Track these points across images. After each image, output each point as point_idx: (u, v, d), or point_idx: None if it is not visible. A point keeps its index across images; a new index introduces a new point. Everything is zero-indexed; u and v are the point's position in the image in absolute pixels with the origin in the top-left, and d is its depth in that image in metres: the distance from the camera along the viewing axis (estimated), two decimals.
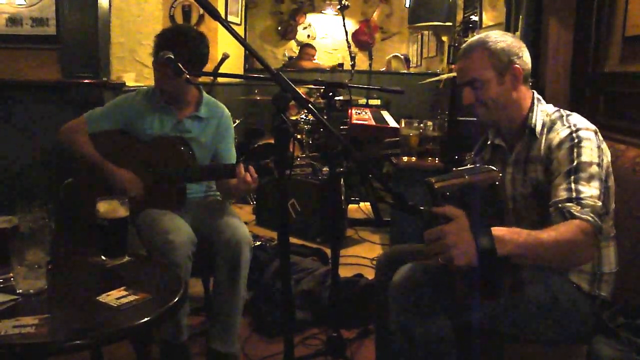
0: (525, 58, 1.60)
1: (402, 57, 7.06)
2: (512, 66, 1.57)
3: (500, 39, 1.58)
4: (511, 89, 1.58)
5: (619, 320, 1.46)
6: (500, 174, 1.46)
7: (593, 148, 1.46)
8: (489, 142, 1.77)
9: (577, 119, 1.54)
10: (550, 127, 1.56)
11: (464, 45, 1.65)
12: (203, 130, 2.29)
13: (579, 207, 1.36)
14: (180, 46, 2.08)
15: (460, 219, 1.25)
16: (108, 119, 2.26)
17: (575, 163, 1.43)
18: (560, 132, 1.51)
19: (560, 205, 1.39)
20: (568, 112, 1.58)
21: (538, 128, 1.58)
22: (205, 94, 2.35)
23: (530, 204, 1.58)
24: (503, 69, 1.56)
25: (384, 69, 7.12)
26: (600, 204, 1.38)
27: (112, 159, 2.21)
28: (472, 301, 1.43)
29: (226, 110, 2.39)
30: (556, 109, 1.62)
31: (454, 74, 3.01)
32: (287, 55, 7.70)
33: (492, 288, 1.30)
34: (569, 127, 1.51)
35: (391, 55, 7.07)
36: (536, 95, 1.64)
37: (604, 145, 1.52)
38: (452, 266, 1.23)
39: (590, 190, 1.39)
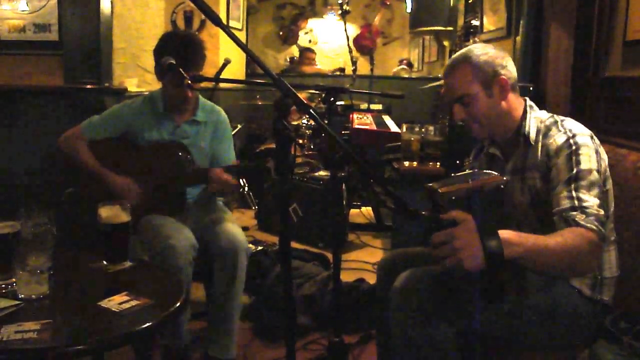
0: (509, 67, 1.60)
1: (408, 68, 7.06)
2: (498, 77, 1.56)
3: (482, 51, 1.58)
4: (500, 100, 1.58)
5: (621, 325, 1.46)
6: (505, 177, 1.47)
7: (591, 154, 1.46)
8: (484, 151, 1.77)
9: (572, 124, 1.53)
10: (545, 133, 1.56)
11: (447, 62, 1.64)
12: (201, 135, 2.30)
13: (584, 216, 1.35)
14: (181, 51, 2.09)
15: (468, 222, 1.25)
16: (106, 127, 2.27)
17: (575, 171, 1.43)
18: (557, 138, 1.51)
19: (564, 214, 1.38)
20: (562, 118, 1.58)
21: (532, 135, 1.57)
22: (201, 98, 2.36)
23: (530, 211, 1.58)
24: (489, 82, 1.56)
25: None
26: (602, 212, 1.38)
27: (111, 166, 2.21)
28: (476, 305, 1.43)
29: (223, 113, 2.40)
30: (550, 114, 1.61)
31: None
32: (288, 60, 7.71)
33: (498, 292, 1.29)
34: (565, 132, 1.50)
35: (399, 68, 7.08)
36: (528, 102, 1.64)
37: (601, 149, 1.52)
38: (460, 269, 1.23)
39: (592, 199, 1.39)
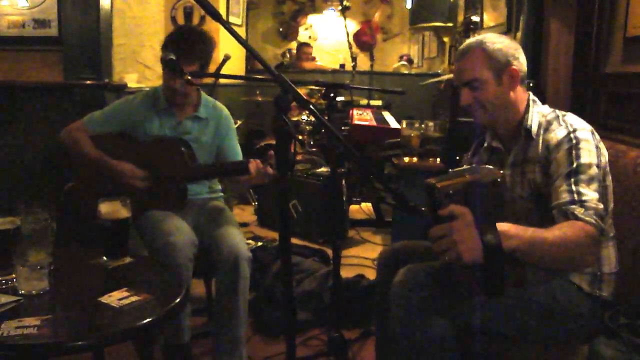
0: (521, 59, 1.61)
1: (408, 64, 7.05)
2: (510, 67, 1.57)
3: (498, 40, 1.59)
4: (509, 90, 1.59)
5: (620, 320, 1.47)
6: (502, 171, 1.46)
7: (591, 149, 1.46)
8: (485, 145, 1.77)
9: (573, 119, 1.54)
10: (546, 127, 1.57)
11: (461, 46, 1.66)
12: (203, 131, 2.30)
13: (583, 210, 1.36)
14: (185, 47, 2.10)
15: (466, 215, 1.25)
16: (108, 122, 2.26)
17: (574, 165, 1.43)
18: (558, 133, 1.51)
19: (563, 207, 1.39)
20: (563, 113, 1.59)
21: (534, 129, 1.58)
22: (203, 95, 2.36)
23: (529, 205, 1.58)
24: (501, 70, 1.57)
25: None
26: (601, 206, 1.39)
27: None
28: (476, 301, 1.43)
29: (225, 109, 2.40)
30: (552, 109, 1.62)
31: None
32: (288, 54, 7.70)
33: (498, 285, 1.29)
34: (566, 127, 1.51)
35: (399, 64, 7.08)
36: (532, 96, 1.65)
37: (601, 145, 1.52)
38: (459, 263, 1.23)
39: (591, 193, 1.39)
